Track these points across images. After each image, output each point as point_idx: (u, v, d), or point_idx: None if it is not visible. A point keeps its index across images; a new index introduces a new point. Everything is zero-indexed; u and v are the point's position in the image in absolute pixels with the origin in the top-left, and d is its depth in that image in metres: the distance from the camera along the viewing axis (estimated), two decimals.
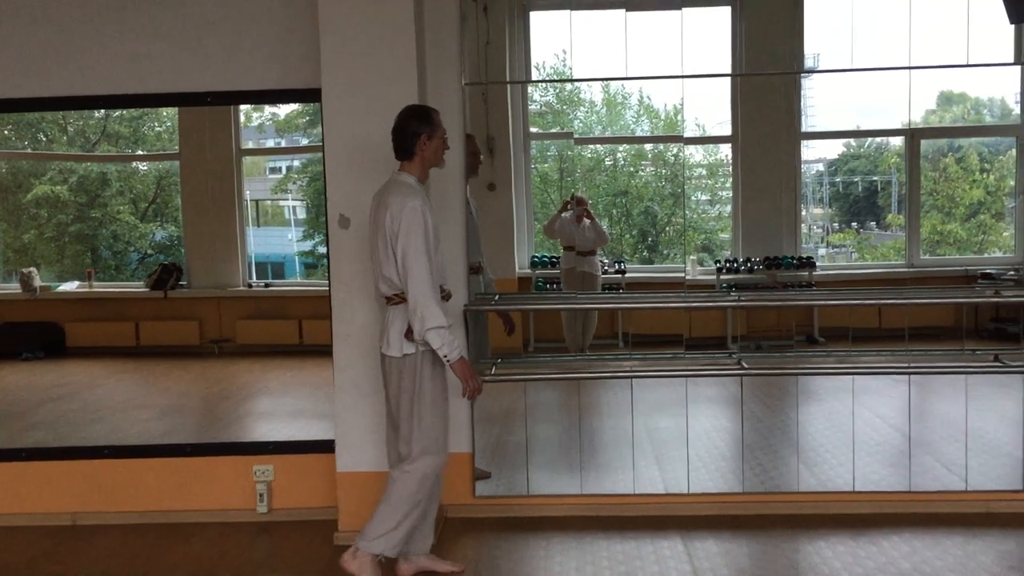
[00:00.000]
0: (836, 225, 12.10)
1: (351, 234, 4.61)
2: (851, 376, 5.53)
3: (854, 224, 12.05)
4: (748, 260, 9.48)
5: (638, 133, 11.44)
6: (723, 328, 8.70)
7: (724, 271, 9.50)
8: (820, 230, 12.49)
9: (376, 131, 4.56)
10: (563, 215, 8.54)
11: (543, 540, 4.62)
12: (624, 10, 8.00)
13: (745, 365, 4.78)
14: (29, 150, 11.98)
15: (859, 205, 12.26)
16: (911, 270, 9.55)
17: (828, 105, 11.42)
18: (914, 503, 4.82)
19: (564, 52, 10.38)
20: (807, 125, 11.58)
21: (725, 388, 6.81)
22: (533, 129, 10.53)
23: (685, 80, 8.53)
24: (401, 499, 4.02)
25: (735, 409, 6.58)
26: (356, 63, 4.56)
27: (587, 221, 8.44)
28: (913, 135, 9.85)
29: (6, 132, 12.10)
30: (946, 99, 11.71)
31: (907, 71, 6.77)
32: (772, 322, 8.83)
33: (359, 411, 4.66)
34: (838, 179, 12.14)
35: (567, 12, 9.77)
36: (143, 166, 12.36)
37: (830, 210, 12.17)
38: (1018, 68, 8.72)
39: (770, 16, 9.43)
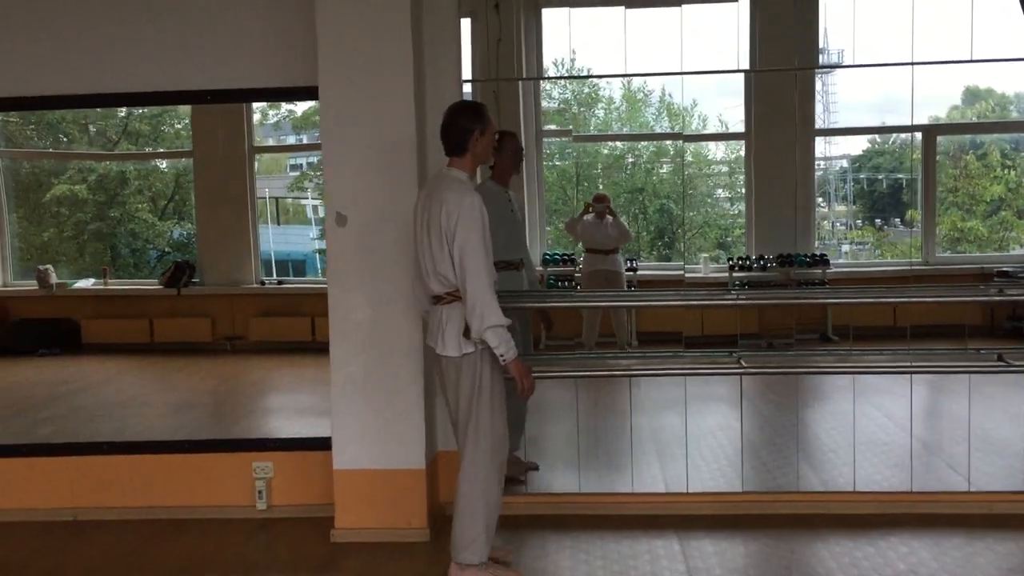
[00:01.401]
0: (859, 222, 12.01)
1: (348, 232, 4.61)
2: (852, 375, 5.45)
3: (878, 221, 11.96)
4: (761, 257, 9.42)
5: (657, 130, 11.40)
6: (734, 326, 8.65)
7: (737, 268, 9.43)
8: (843, 227, 12.41)
9: (373, 129, 4.58)
10: (585, 217, 8.48)
11: (539, 539, 4.61)
12: (625, 7, 7.99)
13: (744, 364, 4.73)
14: (50, 150, 12.10)
15: (884, 201, 12.17)
16: (927, 267, 9.45)
17: (854, 101, 11.34)
18: (916, 503, 4.77)
19: (575, 51, 10.40)
20: (830, 121, 11.50)
21: (735, 387, 6.76)
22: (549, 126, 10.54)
23: (688, 76, 8.51)
24: (473, 505, 3.99)
25: (744, 406, 6.55)
26: (353, 61, 4.57)
27: (609, 218, 8.40)
28: (928, 132, 9.74)
29: (28, 132, 12.24)
30: (972, 95, 11.58)
31: (927, 66, 6.73)
32: (787, 320, 8.76)
33: (356, 408, 4.66)
34: (862, 176, 12.06)
35: (580, 9, 9.80)
36: (163, 164, 12.48)
37: (854, 207, 12.08)
38: None
39: (785, 11, 9.34)
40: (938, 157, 10.69)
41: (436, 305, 3.99)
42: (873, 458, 5.45)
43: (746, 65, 9.47)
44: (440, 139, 4.04)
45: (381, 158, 4.59)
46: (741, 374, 4.94)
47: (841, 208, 12.36)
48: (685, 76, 8.57)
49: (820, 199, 12.01)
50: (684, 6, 8.78)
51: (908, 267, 9.71)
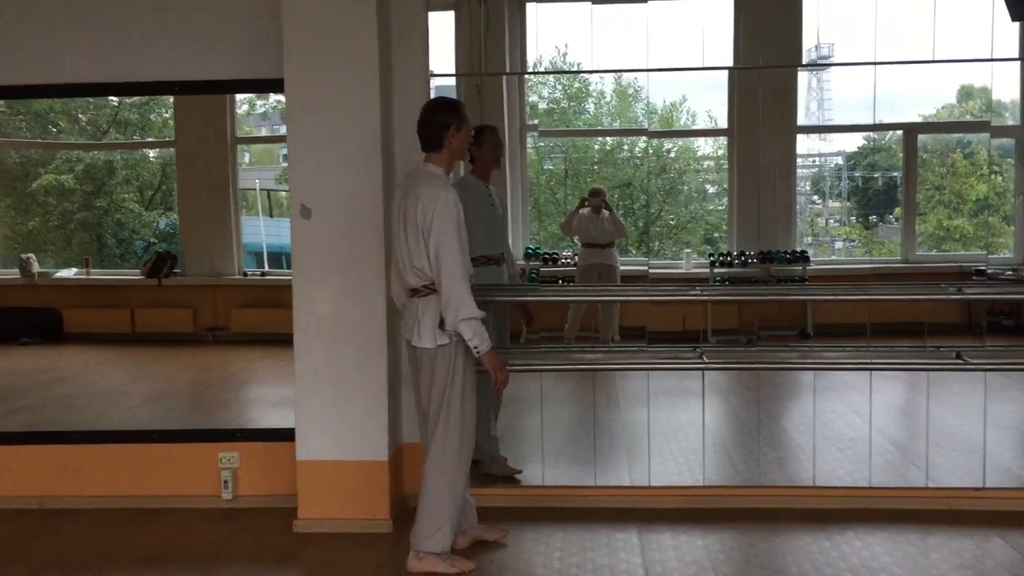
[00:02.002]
0: (853, 218, 12.02)
1: (313, 224, 4.64)
2: (813, 371, 5.50)
3: (872, 217, 11.98)
4: (742, 254, 9.45)
5: (646, 125, 11.40)
6: (717, 322, 8.67)
7: (718, 264, 9.46)
8: (837, 224, 12.42)
9: (337, 121, 4.60)
10: (581, 211, 8.51)
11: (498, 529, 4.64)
12: (613, 4, 8.00)
13: (706, 359, 4.76)
14: (38, 140, 12.10)
15: (879, 198, 12.18)
16: (907, 265, 9.49)
17: (850, 98, 11.33)
18: (875, 499, 4.81)
19: (566, 46, 10.41)
20: (824, 119, 11.52)
21: (710, 381, 6.81)
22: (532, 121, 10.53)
23: (676, 72, 8.52)
24: (440, 495, 4.08)
25: (717, 402, 6.60)
26: (318, 53, 4.59)
27: (605, 212, 8.43)
28: (910, 131, 9.76)
29: (17, 122, 12.24)
30: (966, 93, 11.59)
31: (924, 65, 6.76)
32: (771, 316, 8.79)
33: (319, 400, 4.69)
34: (857, 173, 12.07)
35: (565, 4, 9.81)
36: (152, 154, 12.48)
37: (848, 204, 12.10)
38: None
39: (769, 9, 9.36)
40: (924, 155, 10.73)
41: (412, 298, 4.06)
42: (838, 454, 5.50)
43: (730, 62, 9.51)
44: (416, 135, 4.13)
45: (347, 150, 4.62)
46: (703, 369, 4.97)
47: (836, 205, 12.38)
48: (667, 72, 8.64)
49: (815, 196, 12.05)
50: (674, 2, 8.85)
51: (888, 265, 9.74)
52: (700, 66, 8.67)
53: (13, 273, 10.00)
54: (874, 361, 5.09)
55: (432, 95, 4.80)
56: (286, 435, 4.89)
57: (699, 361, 4.85)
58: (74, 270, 10.24)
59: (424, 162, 4.11)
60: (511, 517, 4.78)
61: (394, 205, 4.15)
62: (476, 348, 3.92)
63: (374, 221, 4.63)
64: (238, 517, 4.94)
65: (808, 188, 11.86)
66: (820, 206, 12.19)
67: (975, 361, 4.62)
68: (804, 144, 12.01)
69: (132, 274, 10.16)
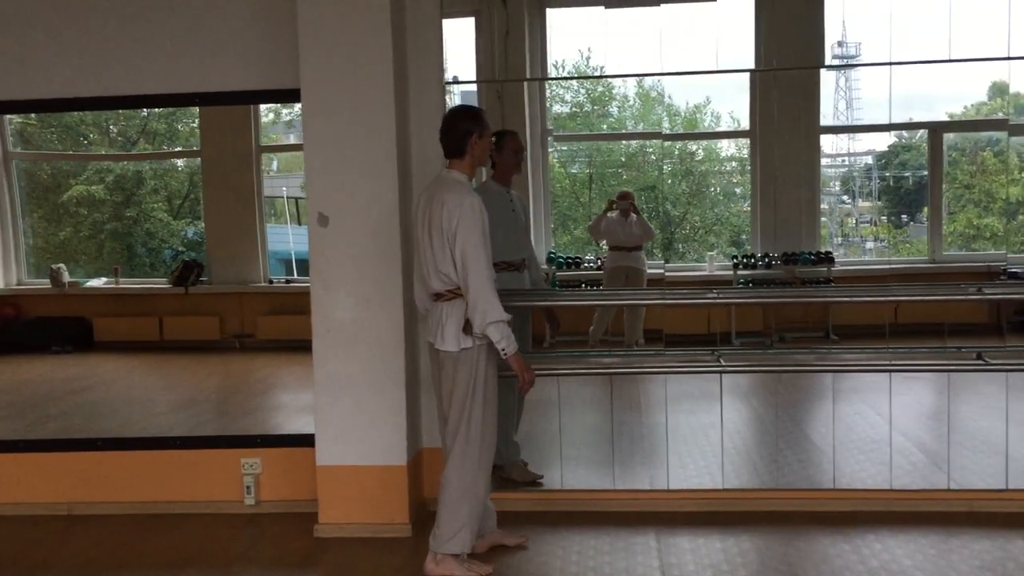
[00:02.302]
0: (884, 218, 11.92)
1: (330, 232, 4.69)
2: (831, 373, 5.47)
3: (903, 217, 11.87)
4: (766, 255, 9.40)
5: (663, 131, 11.37)
6: (741, 324, 8.63)
7: (741, 266, 9.42)
8: (868, 224, 12.33)
9: (353, 130, 4.66)
10: (609, 214, 8.51)
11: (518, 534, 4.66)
12: (619, 8, 7.99)
13: (723, 362, 4.76)
14: (70, 152, 12.29)
15: (910, 198, 12.08)
16: (932, 266, 9.39)
17: (880, 97, 11.25)
18: (896, 501, 4.78)
19: (589, 50, 10.41)
20: (853, 118, 11.45)
21: (734, 383, 6.79)
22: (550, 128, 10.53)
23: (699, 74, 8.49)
24: (461, 495, 4.13)
25: (739, 404, 6.58)
26: (333, 64, 4.64)
27: (633, 216, 8.42)
28: (935, 129, 9.68)
29: (49, 135, 12.45)
30: (999, 90, 11.46)
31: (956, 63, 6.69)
32: (796, 318, 8.74)
33: (338, 406, 4.74)
34: (887, 173, 11.98)
35: (586, 8, 9.82)
36: (180, 163, 12.63)
37: (879, 203, 12.01)
38: None
39: (790, 10, 9.31)
40: (952, 154, 10.63)
41: (436, 302, 4.12)
42: (860, 456, 5.46)
43: (751, 64, 9.47)
44: (436, 141, 4.21)
45: (363, 158, 4.66)
46: (720, 372, 4.96)
47: (867, 204, 12.29)
48: (686, 75, 8.62)
49: (845, 196, 11.96)
50: (691, 4, 8.82)
51: (914, 265, 9.65)
52: (717, 69, 8.65)
53: (45, 283, 10.15)
54: (893, 362, 5.06)
55: (456, 101, 4.84)
56: (307, 441, 4.94)
57: (716, 364, 4.84)
58: (103, 279, 10.37)
59: (447, 168, 4.18)
60: (530, 521, 4.80)
61: (417, 211, 4.21)
62: (503, 350, 3.99)
63: (390, 228, 4.67)
64: (260, 522, 5.00)
65: (838, 188, 11.79)
66: (850, 206, 12.11)
67: (995, 362, 4.57)
68: (833, 143, 11.96)
69: (160, 283, 10.27)
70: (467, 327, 4.01)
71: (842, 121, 11.01)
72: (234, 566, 4.46)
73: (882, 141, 12.05)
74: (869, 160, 11.84)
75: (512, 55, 8.70)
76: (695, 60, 8.66)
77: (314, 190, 4.70)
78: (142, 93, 5.11)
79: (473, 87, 8.21)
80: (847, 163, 11.79)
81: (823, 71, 9.89)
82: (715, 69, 8.40)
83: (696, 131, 11.04)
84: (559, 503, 5.00)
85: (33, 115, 11.10)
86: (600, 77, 10.55)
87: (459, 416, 4.09)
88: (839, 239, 11.55)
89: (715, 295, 4.91)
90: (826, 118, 10.37)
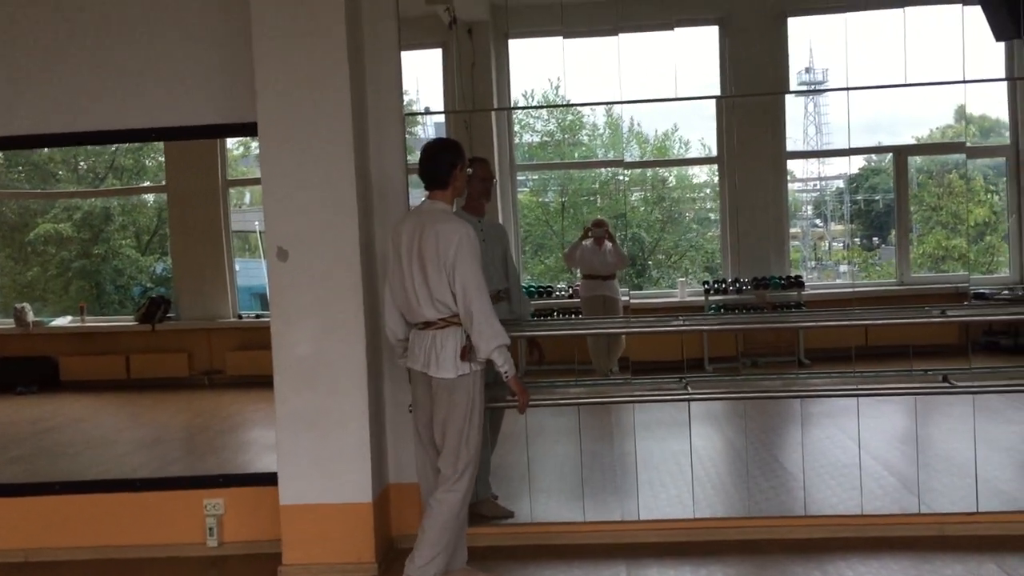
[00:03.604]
0: (857, 241, 11.98)
1: (290, 266, 4.62)
2: (799, 399, 5.44)
3: (875, 239, 11.94)
4: (736, 280, 9.41)
5: (627, 158, 11.41)
6: (715, 350, 8.61)
7: (712, 292, 9.42)
8: (841, 247, 12.39)
9: (312, 163, 4.61)
10: (584, 243, 8.50)
11: (486, 570, 4.57)
12: (578, 39, 8.02)
13: (691, 390, 4.72)
14: (38, 190, 12.17)
15: (880, 220, 12.16)
16: (901, 287, 9.43)
17: (851, 121, 11.35)
18: (867, 527, 4.74)
19: (558, 79, 10.44)
20: (823, 143, 11.54)
21: (706, 410, 6.75)
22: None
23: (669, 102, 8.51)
24: (449, 520, 4.11)
25: (711, 431, 6.53)
26: (291, 97, 4.60)
27: (608, 244, 8.41)
28: (900, 153, 9.76)
29: (16, 175, 12.33)
30: (963, 113, 11.58)
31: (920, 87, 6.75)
32: (769, 342, 8.73)
33: (301, 443, 4.65)
34: (859, 196, 12.06)
35: (550, 39, 9.85)
36: (149, 198, 12.53)
37: (852, 226, 12.07)
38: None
39: (753, 35, 9.39)
40: (920, 177, 10.72)
41: (425, 330, 4.12)
42: (831, 481, 5.42)
43: (717, 91, 9.53)
44: (420, 175, 4.22)
45: (322, 192, 4.61)
46: (688, 400, 4.92)
47: (839, 227, 12.36)
48: (652, 103, 8.67)
49: (818, 220, 12.03)
50: (662, 32, 8.88)
51: (883, 288, 9.68)
52: (682, 96, 8.69)
53: (9, 323, 10.00)
54: (860, 387, 5.05)
55: (430, 133, 4.81)
56: (270, 479, 4.84)
57: (684, 392, 4.81)
58: (68, 318, 10.23)
59: (429, 199, 4.21)
60: (500, 556, 4.73)
61: (399, 242, 4.19)
62: (506, 373, 4.06)
63: (351, 261, 4.61)
64: (223, 565, 4.89)
65: (810, 212, 11.86)
66: (823, 229, 12.18)
67: (961, 384, 4.56)
68: (805, 168, 12.04)
69: (127, 320, 10.15)
70: (464, 354, 4.04)
71: (812, 146, 11.09)
72: None
73: (853, 165, 12.16)
74: (841, 184, 11.93)
75: (479, 86, 8.70)
76: (660, 88, 8.71)
77: (273, 224, 4.64)
78: (101, 129, 5.02)
79: (442, 118, 8.19)
80: (818, 187, 11.87)
81: (790, 97, 9.97)
82: (680, 96, 8.46)
83: (663, 159, 11.08)
84: (529, 537, 4.92)
85: None
86: (561, 106, 10.56)
87: (458, 441, 4.10)
88: (812, 263, 11.61)
89: (680, 322, 4.88)
90: (796, 143, 10.45)
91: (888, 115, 9.91)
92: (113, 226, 12.06)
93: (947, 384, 4.54)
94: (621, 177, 11.70)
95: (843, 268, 11.84)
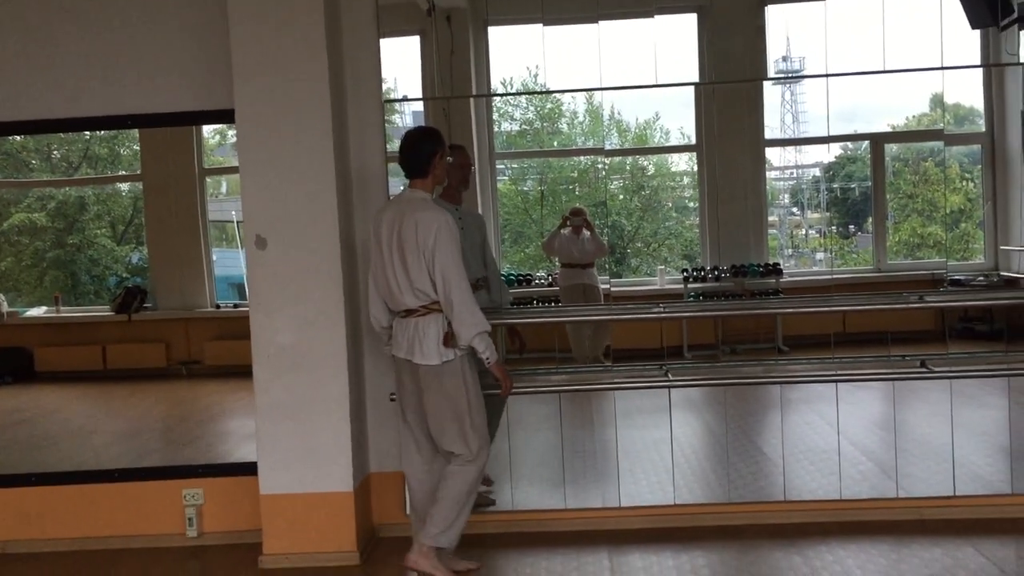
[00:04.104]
0: (834, 228, 12.03)
1: (269, 255, 4.60)
2: (779, 385, 5.48)
3: (852, 227, 11.99)
4: (715, 268, 9.43)
5: (607, 147, 11.39)
6: (694, 337, 8.63)
7: (692, 280, 9.43)
8: (817, 234, 12.44)
9: (290, 151, 4.58)
10: (562, 231, 8.49)
11: (468, 556, 4.57)
12: (558, 26, 7.98)
13: (671, 377, 4.74)
14: (12, 179, 12.02)
15: (856, 208, 12.22)
16: (878, 275, 9.49)
17: (828, 110, 11.38)
18: (846, 512, 4.78)
19: (537, 67, 10.41)
20: (799, 131, 11.56)
21: (685, 397, 6.75)
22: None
23: (651, 89, 8.50)
24: (462, 492, 4.14)
25: (690, 418, 6.54)
26: (269, 84, 4.57)
27: (586, 232, 8.40)
28: (876, 141, 9.81)
29: None
30: (939, 101, 11.65)
31: (897, 74, 6.78)
32: (748, 329, 8.76)
33: (281, 433, 4.64)
34: (836, 184, 12.11)
35: (530, 27, 9.80)
36: (125, 187, 12.40)
37: (828, 214, 12.12)
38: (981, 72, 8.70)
39: (732, 22, 9.38)
40: (896, 165, 10.77)
41: (407, 318, 4.13)
42: (810, 466, 5.45)
43: (695, 78, 9.53)
44: (401, 164, 4.23)
45: (300, 180, 4.59)
46: (668, 387, 4.94)
47: (815, 216, 12.41)
48: (632, 90, 8.64)
49: (795, 208, 12.07)
50: (642, 20, 8.85)
51: (860, 275, 9.74)
52: (661, 83, 8.68)
53: None
54: (838, 373, 5.08)
55: (408, 120, 4.79)
56: (250, 469, 4.83)
57: (664, 379, 4.82)
58: (43, 308, 10.12)
59: (410, 188, 4.21)
60: (482, 544, 4.74)
61: (379, 230, 4.19)
62: (487, 359, 4.10)
63: (331, 249, 4.59)
64: (203, 555, 4.87)
65: (787, 200, 11.90)
66: (799, 217, 12.22)
67: (938, 369, 4.60)
68: (781, 156, 12.06)
69: (102, 310, 10.04)
70: (447, 340, 4.06)
71: (789, 134, 11.12)
72: None
73: (829, 153, 12.21)
74: (817, 172, 11.97)
75: (457, 73, 8.66)
76: (638, 75, 8.69)
77: (251, 212, 4.61)
78: (76, 116, 4.97)
79: (420, 106, 8.15)
80: (795, 175, 11.91)
81: (767, 86, 9.99)
82: (659, 83, 8.45)
83: (642, 147, 11.06)
84: (511, 525, 4.93)
85: None
86: (540, 93, 10.50)
87: (458, 423, 4.13)
88: (789, 250, 11.65)
89: (660, 309, 4.88)
90: (773, 131, 10.46)
91: (864, 104, 9.93)
92: (88, 215, 11.93)
93: (925, 369, 4.58)
94: (600, 165, 11.70)
95: (819, 256, 11.90)
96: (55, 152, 12.60)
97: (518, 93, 10.41)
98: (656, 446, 5.94)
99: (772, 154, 11.48)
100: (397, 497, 4.90)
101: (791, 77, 8.69)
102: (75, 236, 11.81)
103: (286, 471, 4.64)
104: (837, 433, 5.25)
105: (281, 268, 4.59)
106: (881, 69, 5.82)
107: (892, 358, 5.25)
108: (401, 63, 7.88)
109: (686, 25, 9.55)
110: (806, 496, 4.99)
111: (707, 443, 6.20)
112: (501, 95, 10.21)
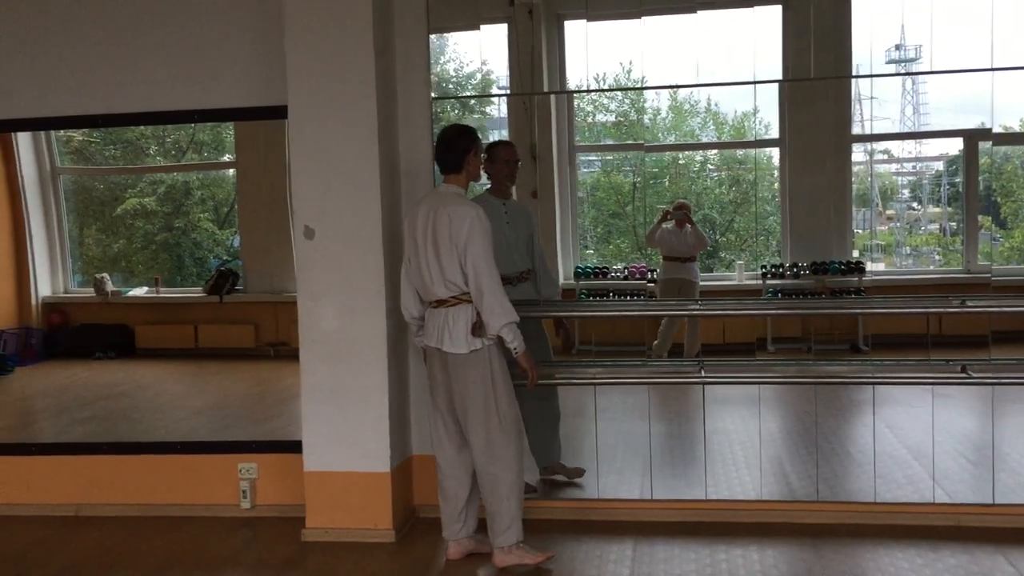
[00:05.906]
0: (954, 225, 11.64)
1: (316, 244, 4.82)
2: (812, 386, 5.43)
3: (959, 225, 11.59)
4: (795, 265, 9.29)
5: (703, 140, 11.30)
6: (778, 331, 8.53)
7: (770, 276, 9.32)
8: (936, 229, 12.06)
9: (338, 145, 4.78)
10: (664, 225, 8.51)
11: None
12: (655, 16, 7.96)
13: (704, 374, 4.79)
14: (131, 166, 12.68)
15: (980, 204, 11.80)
16: (967, 276, 9.18)
17: (949, 101, 10.99)
18: (877, 514, 4.73)
19: (630, 62, 10.41)
20: (920, 124, 11.25)
21: (735, 392, 6.67)
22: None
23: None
24: (510, 488, 4.34)
25: (776, 413, 6.49)
26: (320, 80, 4.78)
27: (688, 226, 8.42)
28: (971, 138, 9.48)
29: (111, 150, 12.88)
30: None
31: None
32: (827, 327, 8.62)
33: (325, 413, 4.87)
34: (958, 179, 11.74)
35: (619, 21, 9.81)
36: (231, 172, 12.94)
37: (949, 209, 11.75)
38: None
39: (817, 16, 9.20)
40: (1008, 166, 10.42)
41: (439, 308, 4.32)
42: (857, 469, 5.39)
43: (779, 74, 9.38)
44: (435, 159, 4.47)
45: (348, 173, 4.79)
46: (703, 383, 4.98)
47: (936, 210, 12.05)
48: (715, 87, 8.58)
49: (915, 203, 11.74)
50: (727, 10, 8.77)
51: (949, 276, 9.44)
52: (726, 82, 8.56)
53: (90, 292, 10.53)
54: (875, 376, 5.01)
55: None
56: (299, 447, 5.07)
57: (698, 376, 4.86)
58: (144, 288, 10.70)
59: (445, 183, 4.41)
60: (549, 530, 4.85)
61: (414, 223, 4.38)
62: (515, 349, 4.25)
63: (374, 241, 4.78)
64: (254, 526, 5.16)
65: (907, 195, 11.58)
66: (919, 212, 11.87)
67: (978, 375, 4.50)
68: (902, 148, 11.72)
69: (197, 292, 10.56)
70: (475, 329, 4.23)
71: (909, 126, 10.83)
72: (219, 568, 4.62)
73: (954, 146, 11.79)
74: (939, 166, 11.60)
75: (537, 67, 8.75)
76: (734, 70, 8.59)
77: (301, 203, 4.85)
78: (146, 110, 5.31)
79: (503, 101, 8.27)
80: (915, 169, 11.55)
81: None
82: (748, 80, 8.37)
83: (721, 142, 10.91)
84: (538, 511, 5.01)
85: (94, 132, 11.51)
86: (625, 89, 10.52)
87: (484, 412, 4.29)
88: (907, 248, 11.33)
89: (698, 306, 4.93)
90: (894, 124, 10.20)
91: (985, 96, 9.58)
92: (192, 200, 12.51)
93: (964, 375, 4.50)
94: (682, 161, 11.63)
95: (937, 257, 11.52)
96: (168, 138, 13.24)
97: (597, 90, 10.43)
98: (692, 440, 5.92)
99: (892, 146, 11.18)
100: (436, 479, 5.05)
101: (889, 75, 8.38)
102: (180, 219, 12.40)
103: (328, 450, 4.87)
104: (873, 436, 5.18)
105: (327, 257, 4.81)
106: (988, 67, 5.59)
107: (933, 362, 5.12)
108: (492, 53, 8.02)
109: (772, 18, 9.42)
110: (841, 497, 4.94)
111: (746, 441, 6.14)
112: (557, 92, 10.23)
